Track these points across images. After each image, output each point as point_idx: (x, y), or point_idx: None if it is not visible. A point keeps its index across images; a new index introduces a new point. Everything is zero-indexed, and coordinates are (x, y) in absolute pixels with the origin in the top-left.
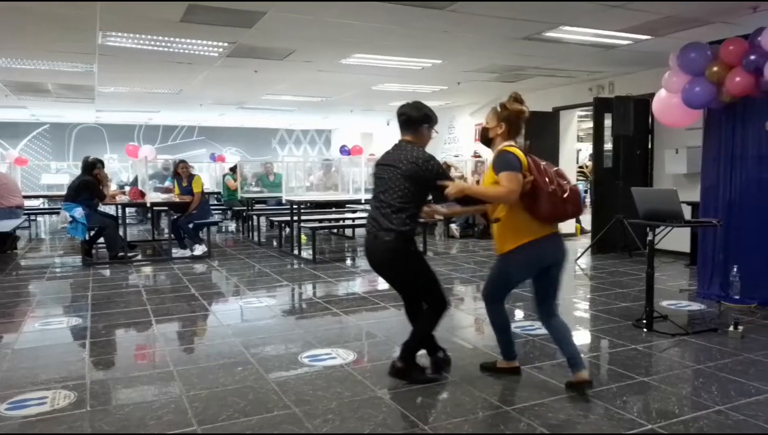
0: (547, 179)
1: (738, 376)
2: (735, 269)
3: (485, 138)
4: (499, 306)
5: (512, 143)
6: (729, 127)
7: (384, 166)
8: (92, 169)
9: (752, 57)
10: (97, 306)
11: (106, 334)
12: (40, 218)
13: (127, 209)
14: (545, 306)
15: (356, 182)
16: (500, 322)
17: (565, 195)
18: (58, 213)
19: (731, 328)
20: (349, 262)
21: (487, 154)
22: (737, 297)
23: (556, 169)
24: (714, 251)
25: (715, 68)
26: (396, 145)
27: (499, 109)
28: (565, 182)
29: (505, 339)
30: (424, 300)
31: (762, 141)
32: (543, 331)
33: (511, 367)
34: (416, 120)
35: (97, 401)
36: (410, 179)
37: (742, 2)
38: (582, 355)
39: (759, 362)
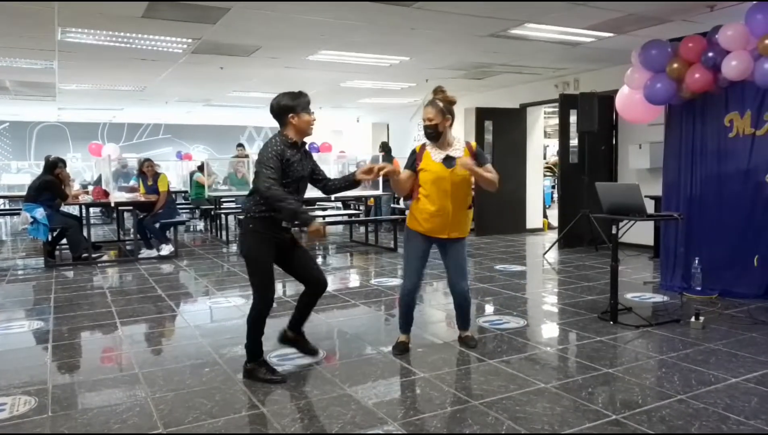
0: None
1: (699, 366)
2: (696, 261)
3: (434, 133)
4: None
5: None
6: (689, 123)
7: None
8: (54, 168)
9: (710, 54)
10: (60, 308)
11: (69, 337)
12: (0, 219)
13: (92, 209)
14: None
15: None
16: None
17: None
18: (19, 214)
19: (693, 319)
20: (319, 260)
21: None
22: (699, 288)
23: None
24: (676, 244)
25: (675, 65)
26: None
27: (440, 104)
28: None
29: None
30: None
31: (720, 136)
32: (510, 325)
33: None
34: (277, 114)
35: (59, 406)
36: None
37: (700, 2)
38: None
39: (719, 351)
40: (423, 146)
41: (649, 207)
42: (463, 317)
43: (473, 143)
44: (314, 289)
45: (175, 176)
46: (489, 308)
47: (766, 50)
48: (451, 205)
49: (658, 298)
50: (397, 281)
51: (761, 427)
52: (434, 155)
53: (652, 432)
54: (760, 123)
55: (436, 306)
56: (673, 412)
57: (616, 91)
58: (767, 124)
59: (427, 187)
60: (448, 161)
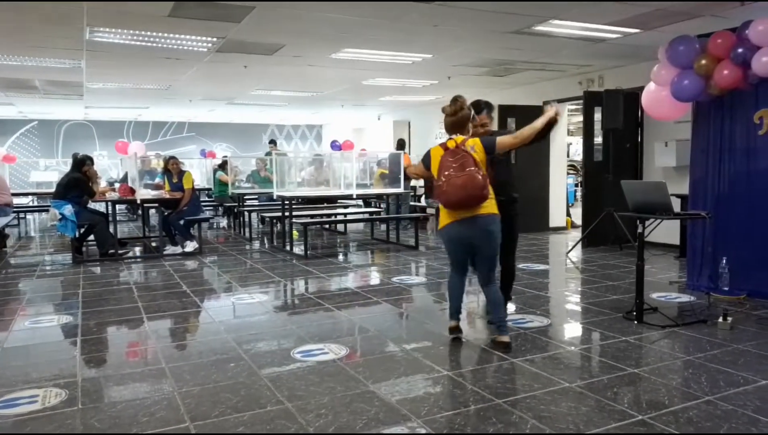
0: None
1: (727, 367)
2: (724, 261)
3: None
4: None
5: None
6: (717, 120)
7: None
8: (81, 165)
9: (740, 50)
10: (88, 303)
11: (97, 331)
12: (29, 216)
13: (118, 206)
14: (480, 275)
15: (347, 177)
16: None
17: (444, 187)
18: (47, 210)
19: (720, 320)
20: (341, 257)
21: None
22: (726, 288)
23: (455, 160)
24: (703, 243)
25: (703, 61)
26: None
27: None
28: (449, 173)
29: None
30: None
31: (750, 134)
32: (533, 324)
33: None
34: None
35: (89, 399)
36: None
37: None
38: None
39: (747, 352)
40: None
41: (676, 205)
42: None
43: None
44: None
45: (198, 174)
46: (512, 307)
47: None
48: None
49: (685, 298)
50: (418, 279)
51: None
52: None
53: (680, 433)
54: None
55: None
56: (701, 413)
57: (641, 88)
58: None
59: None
60: None
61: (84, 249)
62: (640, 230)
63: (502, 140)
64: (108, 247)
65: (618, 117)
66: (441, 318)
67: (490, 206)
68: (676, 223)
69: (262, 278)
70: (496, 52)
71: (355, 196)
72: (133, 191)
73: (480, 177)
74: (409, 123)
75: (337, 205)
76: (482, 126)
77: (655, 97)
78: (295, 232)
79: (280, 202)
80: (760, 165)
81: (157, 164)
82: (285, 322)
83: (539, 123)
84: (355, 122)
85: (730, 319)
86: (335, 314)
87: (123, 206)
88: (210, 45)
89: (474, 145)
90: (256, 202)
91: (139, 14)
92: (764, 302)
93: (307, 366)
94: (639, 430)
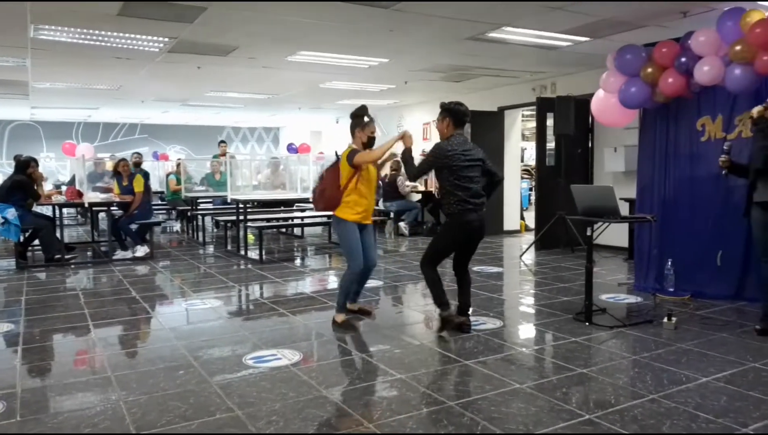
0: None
1: (671, 365)
2: (669, 263)
3: (373, 142)
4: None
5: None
6: (663, 127)
7: (476, 159)
8: (26, 167)
9: (683, 59)
10: (32, 311)
11: (40, 339)
12: None
13: (67, 210)
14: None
15: (304, 181)
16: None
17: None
18: None
19: (665, 320)
20: (297, 261)
21: None
22: (672, 289)
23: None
24: (650, 246)
25: (649, 69)
26: (464, 138)
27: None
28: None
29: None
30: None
31: (693, 140)
32: (487, 326)
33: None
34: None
35: (29, 410)
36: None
37: (673, 7)
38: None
39: (690, 351)
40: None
41: (624, 209)
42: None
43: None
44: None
45: (151, 177)
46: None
47: (737, 56)
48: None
49: (632, 299)
50: (376, 283)
51: (730, 425)
52: None
53: (625, 431)
54: (731, 127)
55: (413, 307)
56: (645, 411)
57: (592, 95)
58: (738, 128)
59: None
60: None
61: (29, 254)
62: (588, 233)
63: (361, 155)
64: (54, 252)
65: (569, 123)
66: (397, 321)
67: (338, 211)
68: (625, 226)
69: (216, 283)
70: (451, 57)
71: (311, 200)
72: (80, 194)
73: (319, 187)
74: None
75: (294, 208)
76: (370, 135)
77: (604, 103)
78: (250, 236)
79: (234, 206)
80: (702, 170)
81: (111, 166)
82: (238, 328)
83: (386, 146)
84: (313, 125)
85: (674, 319)
86: (290, 319)
87: (73, 210)
88: (162, 45)
89: (343, 155)
90: (210, 206)
91: (87, 13)
92: (707, 302)
93: (259, 372)
94: (586, 429)
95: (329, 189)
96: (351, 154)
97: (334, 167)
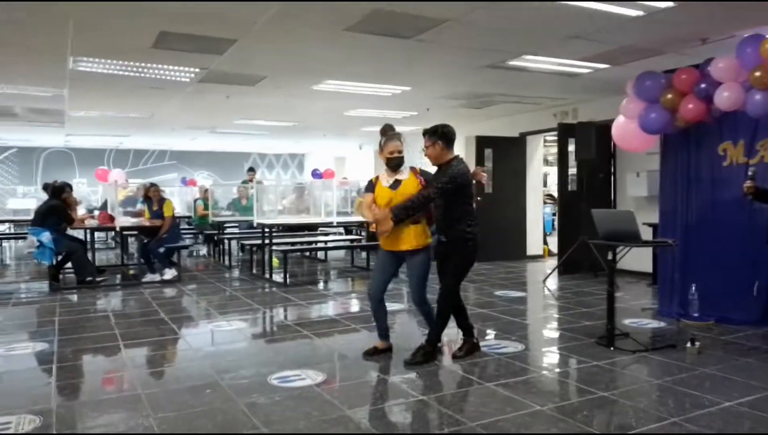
0: None
1: (693, 389)
2: (693, 288)
3: (400, 162)
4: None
5: None
6: (684, 152)
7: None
8: (61, 193)
9: (703, 85)
10: (65, 331)
11: (73, 359)
12: (5, 243)
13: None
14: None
15: (328, 205)
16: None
17: None
18: (24, 238)
19: (689, 345)
20: (321, 285)
21: None
22: (696, 314)
23: None
24: (673, 271)
25: (669, 95)
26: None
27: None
28: None
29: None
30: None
31: (714, 164)
32: (509, 349)
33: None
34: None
35: (64, 425)
36: None
37: (692, 34)
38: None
39: (713, 376)
40: (377, 177)
41: (648, 234)
42: (429, 327)
43: (417, 167)
44: None
45: (179, 202)
46: (488, 333)
47: (757, 82)
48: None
49: (656, 324)
50: (397, 306)
51: None
52: (384, 182)
53: None
54: (753, 152)
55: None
56: (667, 434)
57: (613, 120)
58: (759, 153)
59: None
60: (395, 184)
61: (61, 277)
62: (609, 257)
63: (360, 201)
64: (86, 274)
65: (590, 148)
66: (407, 344)
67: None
68: (648, 251)
69: (241, 306)
70: (472, 85)
71: (335, 224)
72: (112, 218)
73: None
74: None
75: (318, 232)
76: (389, 155)
77: (625, 129)
78: (275, 260)
79: (260, 230)
80: (724, 195)
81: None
82: (263, 349)
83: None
84: (336, 151)
85: (698, 343)
86: (314, 341)
87: (104, 234)
88: (193, 75)
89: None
90: (236, 230)
91: (123, 45)
92: (731, 328)
93: (284, 392)
94: None
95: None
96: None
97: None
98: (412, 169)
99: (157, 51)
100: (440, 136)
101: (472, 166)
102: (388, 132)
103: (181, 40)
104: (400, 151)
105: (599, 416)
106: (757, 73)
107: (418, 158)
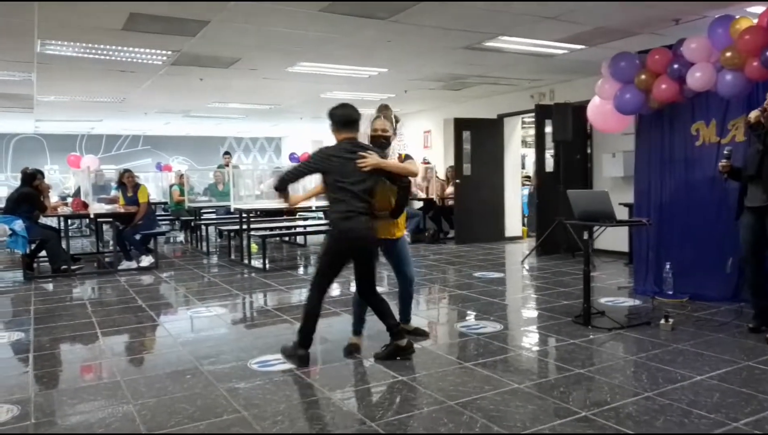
0: None
1: (666, 365)
2: (667, 266)
3: (387, 143)
4: None
5: None
6: (658, 132)
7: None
8: (32, 180)
9: (675, 66)
10: (41, 320)
11: (50, 347)
12: None
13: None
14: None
15: (307, 190)
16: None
17: None
18: None
19: (662, 321)
20: (301, 270)
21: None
22: (670, 292)
23: None
24: (648, 250)
25: (643, 76)
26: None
27: (394, 118)
28: None
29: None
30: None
31: (687, 144)
32: (487, 329)
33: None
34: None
35: (42, 414)
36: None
37: (665, 14)
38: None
39: (686, 351)
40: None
41: (624, 214)
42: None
43: (403, 153)
44: None
45: (154, 187)
46: (467, 314)
47: (727, 62)
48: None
49: (631, 302)
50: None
51: (722, 420)
52: None
53: (620, 427)
54: (724, 132)
55: (416, 314)
56: (640, 408)
57: (589, 101)
58: (731, 132)
59: None
60: None
61: (35, 265)
62: (585, 237)
63: None
64: (60, 262)
65: (567, 129)
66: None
67: None
68: (624, 231)
69: (220, 292)
70: (450, 66)
71: (314, 208)
72: (86, 205)
73: None
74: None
75: (297, 217)
76: (373, 133)
77: (600, 110)
78: (253, 246)
79: (237, 216)
80: (697, 175)
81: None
82: (243, 334)
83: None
84: (314, 135)
85: (671, 320)
86: (294, 326)
87: (77, 221)
88: (165, 58)
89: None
90: (213, 216)
91: (93, 27)
92: (704, 304)
93: (264, 376)
94: (581, 425)
95: None
96: None
97: None
98: (407, 156)
99: (127, 33)
100: (328, 116)
101: (450, 148)
102: (382, 111)
103: (151, 21)
104: (384, 131)
105: (576, 393)
106: (728, 54)
107: (396, 141)
